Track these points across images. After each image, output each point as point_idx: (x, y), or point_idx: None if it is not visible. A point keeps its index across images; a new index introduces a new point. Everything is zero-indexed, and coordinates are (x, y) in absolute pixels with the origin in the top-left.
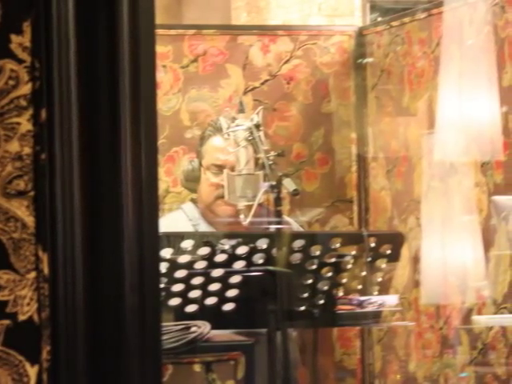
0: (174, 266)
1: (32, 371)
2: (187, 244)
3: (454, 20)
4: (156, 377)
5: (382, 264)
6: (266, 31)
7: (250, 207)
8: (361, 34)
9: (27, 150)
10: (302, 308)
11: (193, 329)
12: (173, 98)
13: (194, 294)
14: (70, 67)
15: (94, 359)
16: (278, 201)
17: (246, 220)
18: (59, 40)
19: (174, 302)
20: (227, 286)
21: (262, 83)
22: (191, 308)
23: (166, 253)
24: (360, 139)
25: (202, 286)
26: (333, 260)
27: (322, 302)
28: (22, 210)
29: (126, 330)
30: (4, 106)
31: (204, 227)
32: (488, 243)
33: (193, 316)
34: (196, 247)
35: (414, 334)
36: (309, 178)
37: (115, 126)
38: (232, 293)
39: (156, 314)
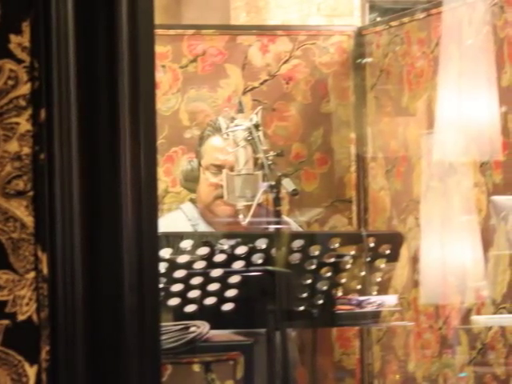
0: (173, 265)
1: (31, 371)
2: (186, 244)
3: (453, 20)
4: (155, 377)
5: (381, 264)
6: (265, 31)
7: (249, 207)
8: (360, 34)
9: (26, 150)
10: (301, 308)
11: (192, 329)
12: (172, 98)
13: (193, 294)
14: (69, 67)
15: (93, 359)
16: (277, 201)
17: (245, 220)
18: (58, 40)
19: (173, 301)
20: (226, 286)
21: (261, 83)
22: (190, 308)
23: (165, 253)
24: (359, 139)
25: (201, 286)
26: (332, 260)
27: (321, 302)
28: (21, 210)
29: (125, 329)
30: (3, 106)
31: (203, 227)
32: (487, 243)
33: (192, 316)
34: (195, 247)
35: (413, 334)
36: (308, 177)
37: (114, 126)
38: (231, 293)
39: (155, 313)
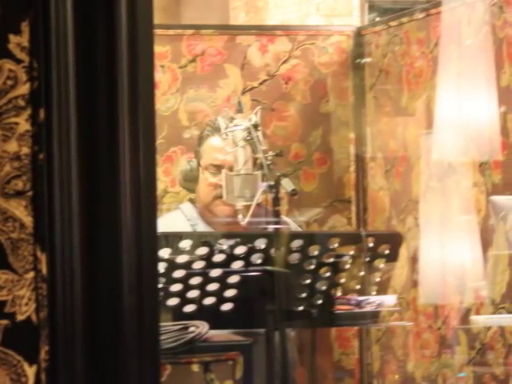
0: (173, 266)
1: (30, 371)
2: (185, 244)
3: (452, 20)
4: (154, 377)
5: (381, 264)
6: (264, 31)
7: (248, 207)
8: (359, 34)
9: (25, 150)
10: (301, 308)
11: (191, 329)
12: (171, 98)
13: (193, 294)
14: (68, 67)
15: (92, 359)
16: (277, 201)
17: (244, 220)
18: (57, 40)
19: (173, 302)
20: (225, 286)
21: (261, 83)
22: (189, 308)
23: (165, 253)
24: (358, 139)
25: (201, 286)
26: (331, 260)
27: (320, 302)
28: (21, 210)
29: (124, 329)
30: (2, 106)
31: (202, 227)
32: (486, 243)
33: (191, 316)
34: (194, 247)
35: (413, 334)
36: (307, 177)
37: (113, 126)
38: (230, 293)
39: (154, 313)
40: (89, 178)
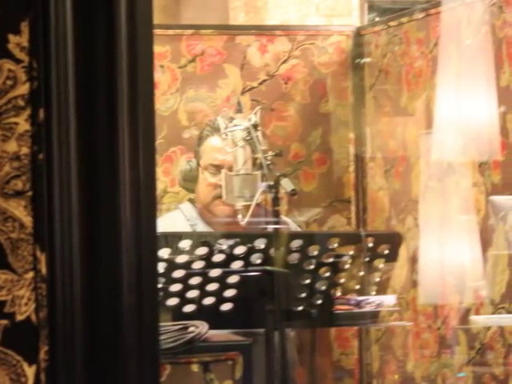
0: (172, 265)
1: (30, 371)
2: (185, 244)
3: (451, 20)
4: (154, 377)
5: (380, 264)
6: (263, 31)
7: (247, 207)
8: (359, 34)
9: (25, 150)
10: (300, 308)
11: (191, 329)
12: (171, 98)
13: (192, 293)
14: (67, 67)
15: (91, 359)
16: (276, 201)
17: (243, 220)
18: (57, 40)
19: (172, 301)
20: (225, 286)
21: (260, 83)
22: (189, 308)
23: (164, 253)
24: (358, 139)
25: (200, 286)
26: (331, 260)
27: (319, 301)
28: (20, 210)
29: (124, 329)
30: (2, 106)
31: (202, 227)
32: (486, 243)
33: (191, 316)
34: (194, 247)
35: (412, 334)
36: (307, 177)
37: (113, 126)
38: (230, 293)
39: (154, 313)
40: (88, 178)
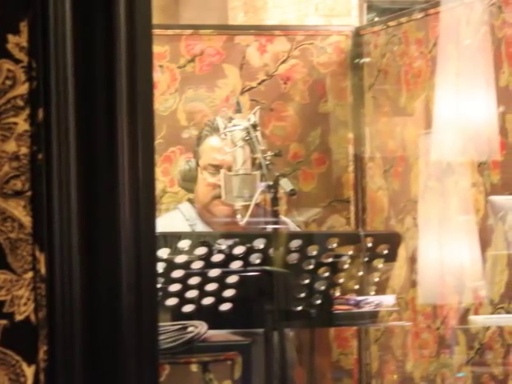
0: (171, 265)
1: (29, 371)
2: (184, 244)
3: (450, 20)
4: (153, 377)
5: (379, 264)
6: (262, 31)
7: (246, 207)
8: (358, 34)
9: (24, 150)
10: (299, 308)
11: (190, 329)
12: (170, 98)
13: (191, 293)
14: (67, 67)
15: (90, 359)
16: (275, 201)
17: (242, 220)
18: (56, 40)
19: (171, 301)
20: (224, 286)
21: (259, 83)
22: (188, 308)
23: (163, 253)
24: (357, 139)
25: (199, 286)
26: (330, 260)
27: (318, 301)
28: (19, 210)
29: (123, 329)
30: (1, 106)
31: (201, 227)
32: (485, 243)
33: (190, 316)
34: (193, 247)
35: (411, 334)
36: (306, 177)
37: (112, 126)
38: (229, 293)
39: (153, 313)
40: (87, 178)
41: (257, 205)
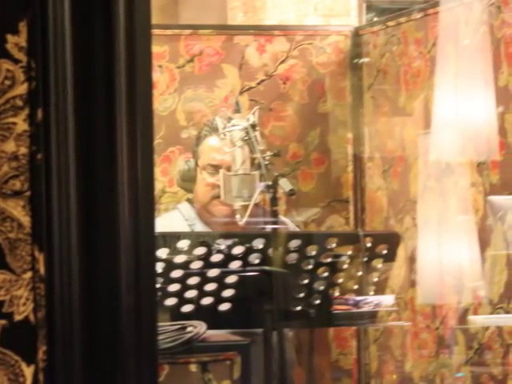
0: (170, 265)
1: (28, 371)
2: (183, 244)
3: (450, 20)
4: (152, 377)
5: (378, 264)
6: (262, 31)
7: (246, 207)
8: (357, 34)
9: (23, 150)
10: (298, 308)
11: (189, 329)
12: (169, 98)
13: (190, 293)
14: (66, 67)
15: (89, 359)
16: (274, 201)
17: (242, 220)
18: (55, 40)
19: (170, 301)
20: (223, 286)
21: (258, 83)
22: (187, 308)
23: (162, 253)
24: (356, 139)
25: (198, 286)
26: (329, 260)
27: (318, 302)
28: (18, 210)
29: (122, 329)
30: (0, 106)
31: (200, 227)
32: (484, 243)
33: (189, 316)
34: (192, 247)
35: (410, 334)
36: (305, 178)
37: (111, 126)
38: (228, 293)
39: (152, 313)
40: (87, 177)
41: (256, 205)
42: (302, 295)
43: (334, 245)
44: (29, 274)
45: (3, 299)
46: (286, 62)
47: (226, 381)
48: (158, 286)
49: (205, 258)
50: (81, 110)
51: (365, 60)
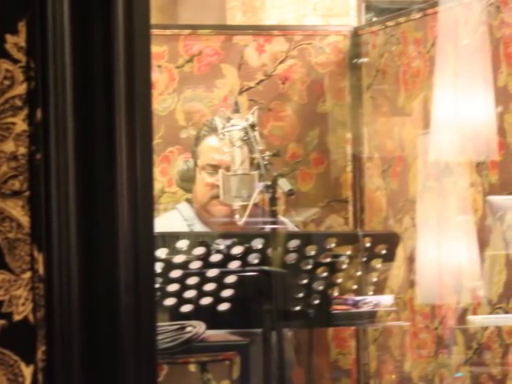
0: (170, 265)
1: (27, 371)
2: (182, 244)
3: (449, 20)
4: (151, 377)
5: (378, 264)
6: (261, 31)
7: (245, 207)
8: (356, 34)
9: (22, 150)
10: (297, 308)
11: (188, 329)
12: (168, 98)
13: (190, 293)
14: (65, 67)
15: (89, 359)
16: (273, 201)
17: (241, 220)
18: (54, 40)
19: (169, 301)
20: (222, 286)
21: (258, 83)
22: (186, 308)
23: (162, 253)
24: (355, 139)
25: (198, 286)
26: (328, 260)
27: (317, 301)
28: (17, 210)
29: (121, 329)
30: None
31: (199, 227)
32: (483, 243)
33: (188, 316)
34: (191, 247)
35: (409, 334)
36: (304, 178)
37: (110, 126)
38: (227, 293)
39: (151, 313)
40: (86, 178)
41: (255, 205)
42: (301, 295)
43: (333, 245)
44: (28, 274)
45: (2, 299)
46: (285, 62)
47: (225, 381)
48: (157, 286)
49: (204, 258)
50: (80, 110)
51: (364, 60)
